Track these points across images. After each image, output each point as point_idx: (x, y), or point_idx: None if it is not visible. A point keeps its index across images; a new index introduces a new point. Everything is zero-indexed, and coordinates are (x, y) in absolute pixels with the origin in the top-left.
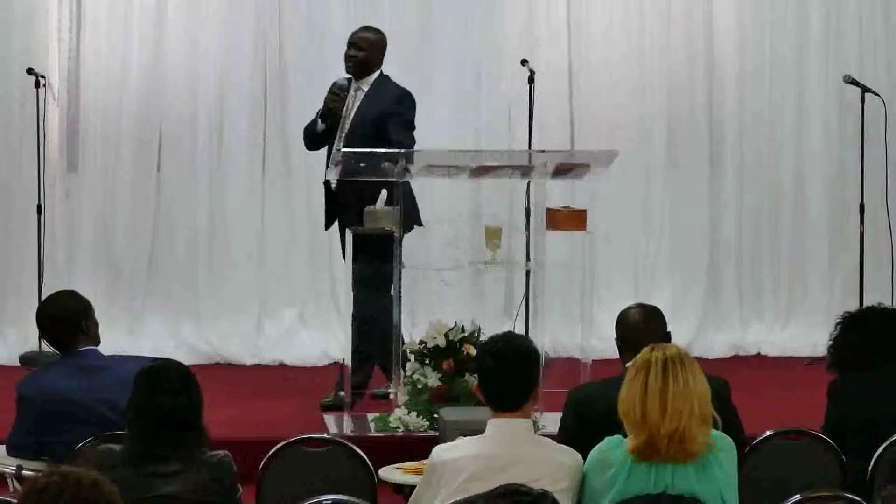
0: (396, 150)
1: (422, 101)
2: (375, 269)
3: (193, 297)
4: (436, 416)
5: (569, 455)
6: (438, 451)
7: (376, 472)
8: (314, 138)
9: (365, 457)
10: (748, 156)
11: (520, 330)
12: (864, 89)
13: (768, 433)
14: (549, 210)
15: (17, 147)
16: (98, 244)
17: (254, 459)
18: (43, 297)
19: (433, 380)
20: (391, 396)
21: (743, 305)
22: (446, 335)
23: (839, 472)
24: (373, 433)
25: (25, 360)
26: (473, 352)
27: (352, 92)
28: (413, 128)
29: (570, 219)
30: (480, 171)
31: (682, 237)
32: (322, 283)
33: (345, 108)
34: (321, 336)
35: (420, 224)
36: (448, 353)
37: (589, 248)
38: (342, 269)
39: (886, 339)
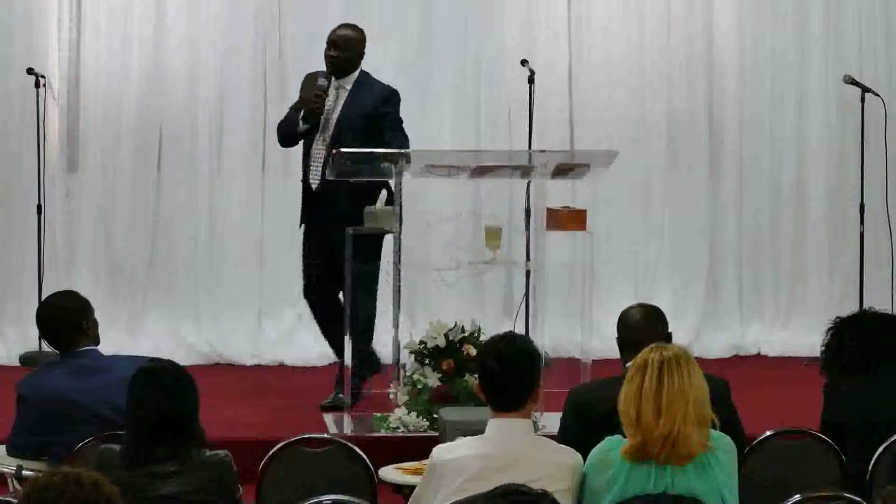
0: (396, 151)
1: (422, 101)
2: (362, 269)
3: (193, 297)
4: (436, 416)
5: (569, 455)
6: (438, 451)
7: (376, 472)
8: (295, 137)
9: (365, 457)
10: (748, 156)
11: (520, 330)
12: (864, 89)
13: (768, 433)
14: (549, 210)
15: (17, 147)
16: (98, 244)
17: (254, 459)
18: (43, 297)
19: (433, 380)
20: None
21: (743, 305)
22: (446, 335)
23: (839, 472)
24: (373, 433)
25: (25, 360)
26: (473, 352)
27: (332, 90)
28: (402, 124)
29: (570, 219)
30: (480, 171)
31: (682, 237)
32: None
33: (324, 108)
34: (321, 336)
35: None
36: (448, 353)
37: (589, 248)
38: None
39: (882, 342)
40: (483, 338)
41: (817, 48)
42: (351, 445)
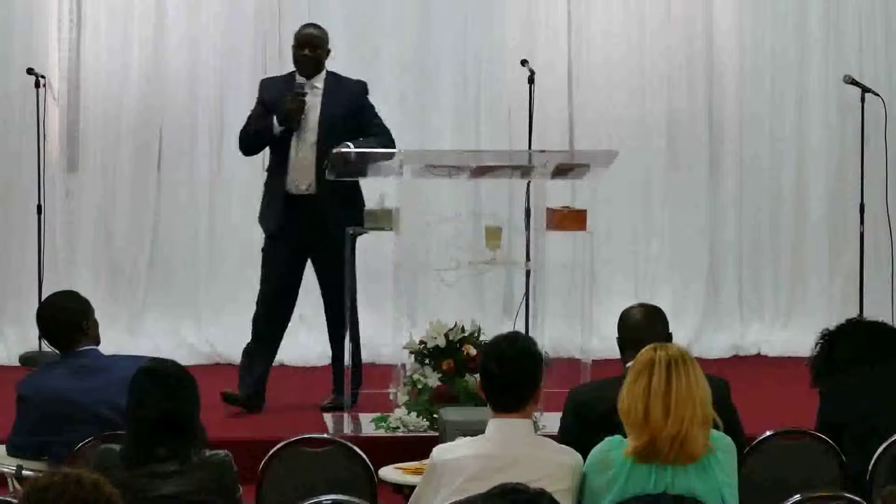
0: (396, 150)
1: (422, 101)
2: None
3: (193, 297)
4: (436, 416)
5: (569, 455)
6: (438, 451)
7: (376, 472)
8: (264, 142)
9: (365, 457)
10: (748, 156)
11: (520, 330)
12: (864, 89)
13: (768, 433)
14: (549, 210)
15: (17, 147)
16: (98, 244)
17: (254, 459)
18: (43, 297)
19: (433, 380)
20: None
21: (743, 305)
22: (446, 335)
23: (839, 472)
24: (373, 433)
25: (25, 360)
26: (473, 352)
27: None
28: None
29: (570, 219)
30: (480, 171)
31: (682, 237)
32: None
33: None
34: (321, 336)
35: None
36: (448, 353)
37: (589, 248)
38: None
39: (874, 343)
40: (483, 338)
41: (817, 48)
42: (351, 445)
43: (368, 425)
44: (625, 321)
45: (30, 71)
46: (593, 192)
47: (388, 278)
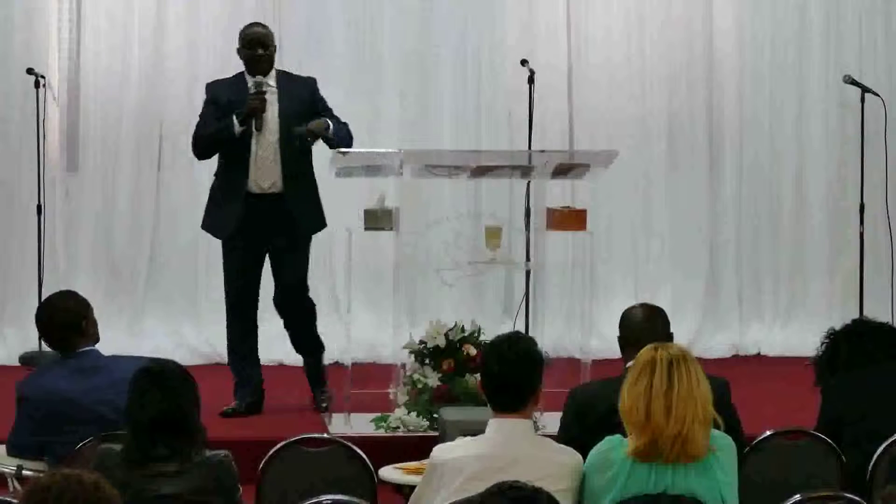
0: (395, 151)
1: (422, 101)
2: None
3: (193, 297)
4: (436, 416)
5: (569, 455)
6: (438, 451)
7: (376, 472)
8: (223, 143)
9: (365, 457)
10: (748, 156)
11: (520, 330)
12: (864, 89)
13: (768, 433)
14: (549, 210)
15: (17, 147)
16: (98, 244)
17: (254, 459)
18: (43, 297)
19: (433, 380)
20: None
21: (743, 305)
22: (446, 335)
23: (839, 472)
24: (373, 433)
25: (25, 360)
26: (473, 352)
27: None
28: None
29: (570, 219)
30: (480, 171)
31: (682, 237)
32: (322, 283)
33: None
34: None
35: (325, 225)
36: (448, 353)
37: (589, 248)
38: (343, 270)
39: (877, 342)
40: (483, 338)
41: (817, 48)
42: (351, 445)
43: (368, 425)
44: (626, 320)
45: (30, 71)
46: (593, 192)
47: (388, 278)
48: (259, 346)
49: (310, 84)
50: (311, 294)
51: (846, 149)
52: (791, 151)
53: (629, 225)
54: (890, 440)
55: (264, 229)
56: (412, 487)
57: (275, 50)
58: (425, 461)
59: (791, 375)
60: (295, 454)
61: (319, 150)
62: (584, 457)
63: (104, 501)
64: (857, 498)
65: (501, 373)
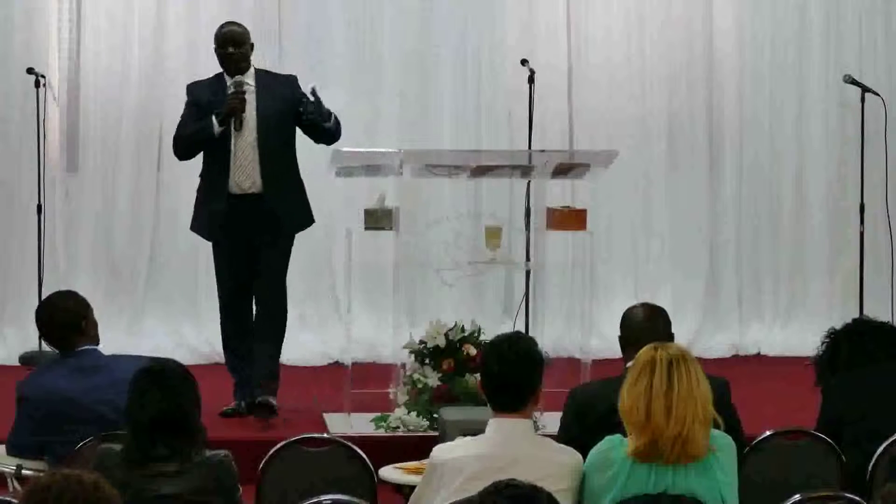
0: (395, 151)
1: (422, 101)
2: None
3: (193, 297)
4: (436, 416)
5: (569, 455)
6: (438, 451)
7: (376, 472)
8: (202, 143)
9: (365, 457)
10: (748, 156)
11: (520, 330)
12: (864, 89)
13: (768, 433)
14: (549, 210)
15: (17, 147)
16: (98, 244)
17: (254, 459)
18: (43, 297)
19: (433, 380)
20: (391, 398)
21: (743, 305)
22: (446, 335)
23: (839, 472)
24: (373, 433)
25: (25, 360)
26: (473, 352)
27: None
28: None
29: (570, 219)
30: (480, 171)
31: (682, 237)
32: (322, 283)
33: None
34: (321, 336)
35: (313, 221)
36: (448, 353)
37: (589, 248)
38: (343, 270)
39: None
40: (483, 338)
41: (817, 48)
42: (351, 445)
43: (368, 425)
44: (627, 320)
45: (30, 71)
46: (593, 192)
47: (388, 278)
48: None
49: (290, 81)
50: (311, 294)
51: (846, 149)
52: (791, 151)
53: (629, 225)
54: (890, 440)
55: (247, 229)
56: (412, 487)
57: (250, 49)
58: (425, 461)
59: (791, 375)
60: (295, 454)
61: (318, 149)
62: (585, 457)
63: (104, 501)
64: (857, 498)
65: (501, 373)
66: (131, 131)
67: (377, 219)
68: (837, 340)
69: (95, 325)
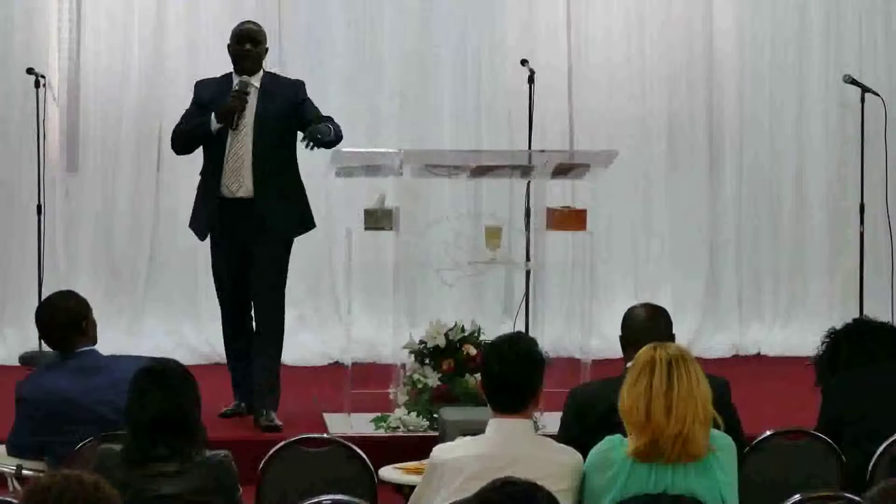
0: (395, 151)
1: (422, 100)
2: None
3: (193, 297)
4: (436, 416)
5: (569, 455)
6: (438, 451)
7: (376, 472)
8: (200, 139)
9: (365, 457)
10: (748, 156)
11: (520, 330)
12: (864, 89)
13: (768, 433)
14: (549, 210)
15: (17, 147)
16: (98, 244)
17: (254, 459)
18: (43, 297)
19: (433, 380)
20: (391, 398)
21: (743, 305)
22: (446, 335)
23: (839, 472)
24: (373, 433)
25: (25, 360)
26: (473, 352)
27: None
28: None
29: (570, 219)
30: (480, 171)
31: (682, 237)
32: (322, 283)
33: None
34: (321, 336)
35: (314, 226)
36: (448, 353)
37: (589, 248)
38: (343, 270)
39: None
40: (483, 338)
41: (817, 48)
42: (351, 445)
43: (368, 425)
44: (628, 320)
45: (30, 71)
46: (593, 192)
47: (388, 278)
48: None
49: (296, 86)
50: (311, 294)
51: (846, 149)
52: (791, 151)
53: (629, 225)
54: (890, 440)
55: (239, 233)
56: (412, 487)
57: (265, 50)
58: (425, 461)
59: (791, 375)
60: (295, 454)
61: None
62: (585, 456)
63: (104, 501)
64: (856, 498)
65: (502, 373)
66: (131, 131)
67: (377, 219)
68: (837, 340)
69: (95, 326)
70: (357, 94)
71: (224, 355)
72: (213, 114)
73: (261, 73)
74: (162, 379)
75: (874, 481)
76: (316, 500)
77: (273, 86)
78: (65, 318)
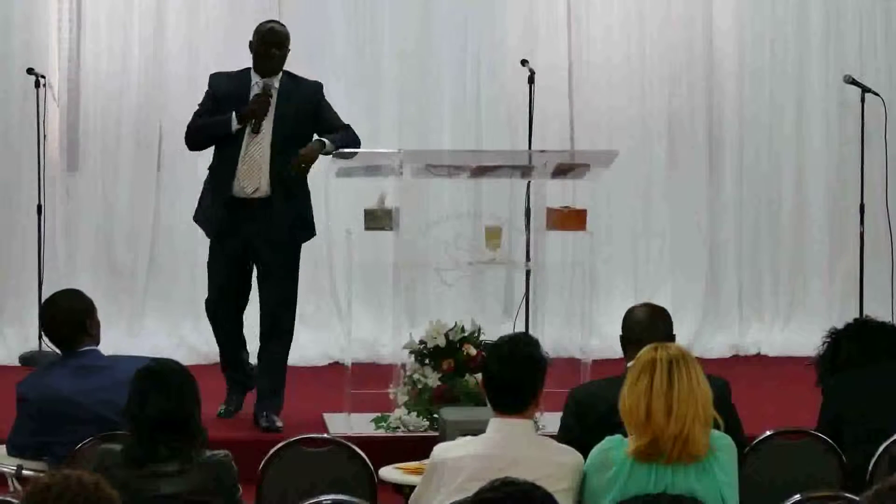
0: (395, 151)
1: (422, 100)
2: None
3: (193, 297)
4: (436, 416)
5: (569, 455)
6: (439, 451)
7: (376, 472)
8: (218, 137)
9: (365, 457)
10: (748, 156)
11: (521, 330)
12: (864, 89)
13: (768, 433)
14: (549, 210)
15: (17, 147)
16: (98, 244)
17: (254, 459)
18: (43, 297)
19: (433, 380)
20: (391, 398)
21: (743, 305)
22: (446, 335)
23: (839, 472)
24: (373, 433)
25: (25, 360)
26: (473, 352)
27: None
28: None
29: (570, 219)
30: (480, 171)
31: (682, 237)
32: (322, 283)
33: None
34: (321, 336)
35: (313, 234)
36: (448, 353)
37: (589, 248)
38: (343, 270)
39: (878, 341)
40: (483, 338)
41: (817, 48)
42: (351, 445)
43: (368, 425)
44: (629, 320)
45: (30, 71)
46: (593, 192)
47: (388, 278)
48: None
49: (312, 90)
50: (311, 294)
51: (846, 149)
52: (791, 151)
53: (629, 225)
54: (890, 440)
55: (247, 236)
56: (412, 487)
57: (286, 51)
58: (425, 461)
59: (791, 375)
60: (295, 454)
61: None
62: (585, 457)
63: (104, 501)
64: (856, 498)
65: (503, 374)
66: (131, 131)
67: (377, 219)
68: (838, 340)
69: (98, 326)
70: (357, 94)
71: None
72: (234, 113)
73: (280, 73)
74: (163, 379)
75: (874, 481)
76: (316, 500)
77: (292, 87)
78: (69, 317)
